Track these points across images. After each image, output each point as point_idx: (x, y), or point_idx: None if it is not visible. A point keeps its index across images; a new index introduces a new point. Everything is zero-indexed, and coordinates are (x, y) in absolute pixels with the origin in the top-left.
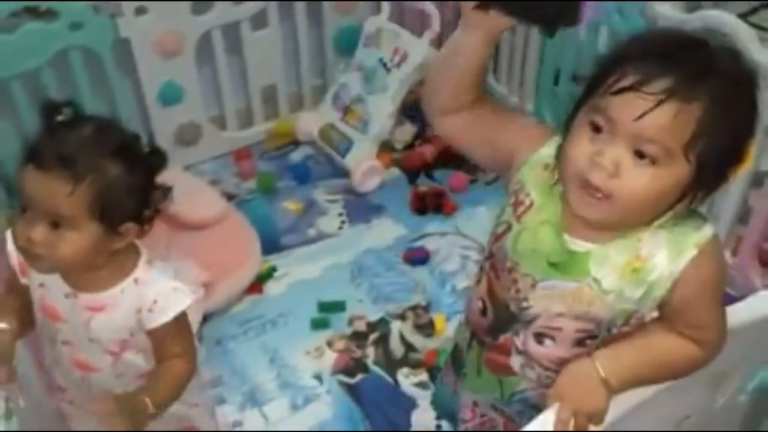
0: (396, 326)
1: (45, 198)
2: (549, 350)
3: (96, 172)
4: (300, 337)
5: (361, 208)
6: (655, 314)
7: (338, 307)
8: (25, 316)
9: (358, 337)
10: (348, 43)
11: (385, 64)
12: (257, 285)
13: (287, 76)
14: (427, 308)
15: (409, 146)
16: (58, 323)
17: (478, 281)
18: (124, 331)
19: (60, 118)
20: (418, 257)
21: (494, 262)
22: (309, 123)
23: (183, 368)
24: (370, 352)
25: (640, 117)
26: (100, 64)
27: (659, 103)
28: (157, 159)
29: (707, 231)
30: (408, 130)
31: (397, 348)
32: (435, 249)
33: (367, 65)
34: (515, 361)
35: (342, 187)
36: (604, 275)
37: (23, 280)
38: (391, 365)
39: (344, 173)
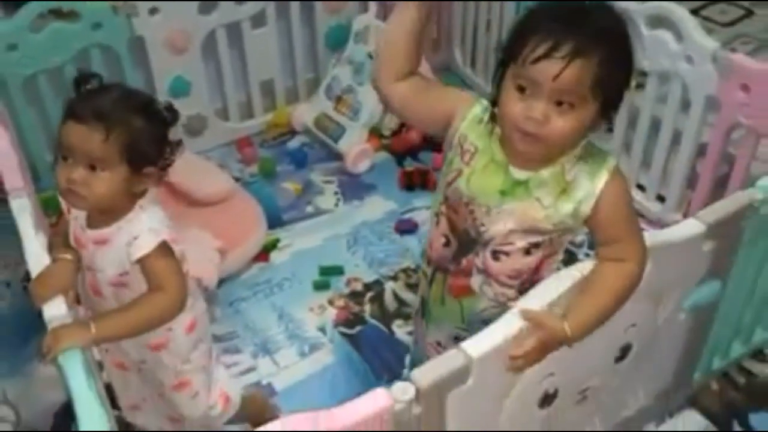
0: (389, 286)
1: (83, 145)
2: (504, 264)
3: (124, 124)
4: (304, 297)
5: (355, 187)
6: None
7: (337, 270)
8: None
9: (356, 296)
10: (338, 39)
11: (372, 57)
12: (263, 255)
13: (284, 70)
14: (416, 270)
15: (397, 132)
16: (83, 251)
17: (437, 223)
18: (120, 263)
19: (89, 86)
20: (407, 227)
21: (450, 203)
22: (304, 113)
23: (160, 299)
24: (367, 307)
25: (557, 76)
26: (117, 60)
27: (568, 63)
28: (171, 114)
29: (612, 161)
30: (395, 118)
31: (390, 303)
32: (422, 220)
33: (356, 59)
34: (475, 281)
35: (336, 169)
36: (542, 195)
37: (67, 216)
38: (386, 318)
39: (338, 157)
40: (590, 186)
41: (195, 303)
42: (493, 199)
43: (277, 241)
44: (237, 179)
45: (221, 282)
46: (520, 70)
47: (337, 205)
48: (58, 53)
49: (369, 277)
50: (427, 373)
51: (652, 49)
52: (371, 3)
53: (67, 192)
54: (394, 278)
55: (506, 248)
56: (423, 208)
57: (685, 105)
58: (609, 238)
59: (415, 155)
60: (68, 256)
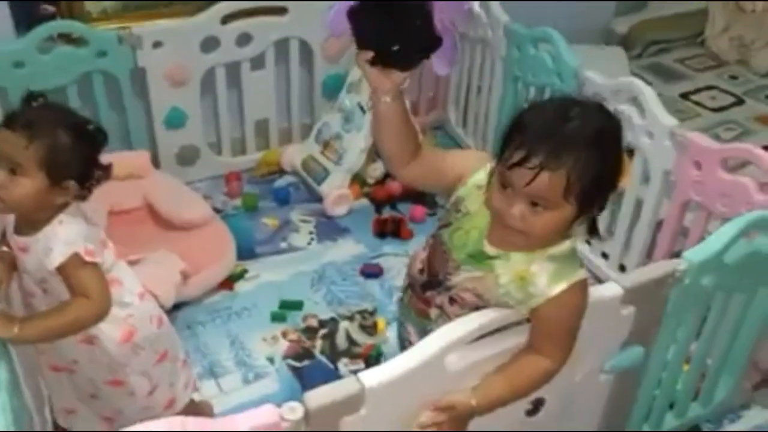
0: (343, 325)
1: (7, 149)
2: (458, 310)
3: (47, 136)
4: (259, 327)
5: (330, 228)
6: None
7: (297, 305)
8: None
9: (309, 331)
10: (334, 87)
11: (362, 107)
12: (229, 283)
13: (279, 112)
14: (373, 313)
15: (380, 182)
16: (17, 254)
17: (424, 248)
18: (39, 271)
19: (34, 103)
20: (371, 271)
21: (435, 243)
22: (294, 154)
23: (82, 305)
24: (318, 343)
25: (527, 184)
26: (118, 87)
27: (537, 174)
28: (99, 136)
29: (580, 274)
30: (379, 168)
31: (341, 342)
32: (388, 267)
33: (347, 108)
34: (433, 312)
35: (315, 211)
36: (502, 273)
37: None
38: (334, 355)
39: (319, 199)
40: (545, 288)
41: (135, 314)
42: (464, 259)
43: (245, 271)
44: (219, 210)
45: (184, 304)
46: (502, 170)
47: (309, 243)
48: (62, 75)
49: (325, 315)
50: (318, 397)
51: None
52: None
53: None
54: (350, 318)
55: (461, 300)
56: (391, 255)
57: (647, 178)
58: (542, 336)
59: (394, 205)
60: (6, 249)
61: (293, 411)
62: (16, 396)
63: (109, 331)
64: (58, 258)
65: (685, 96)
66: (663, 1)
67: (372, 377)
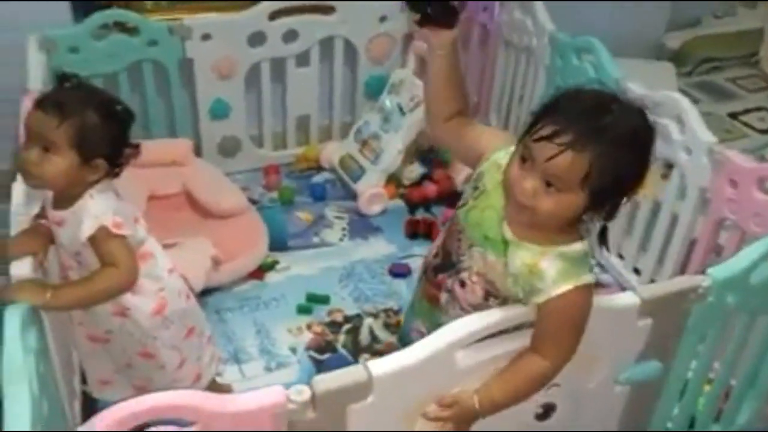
0: (368, 322)
1: (40, 129)
2: (466, 293)
3: (78, 115)
4: (286, 317)
5: (362, 226)
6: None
7: (323, 299)
8: None
9: (334, 325)
10: (376, 88)
11: (401, 109)
12: (260, 273)
13: (321, 109)
14: (397, 312)
15: (416, 184)
16: (52, 227)
17: (441, 233)
18: (73, 243)
19: (67, 84)
20: (400, 271)
21: (451, 224)
22: (333, 152)
23: (110, 274)
24: (341, 338)
25: (548, 159)
26: (166, 76)
27: (560, 152)
28: (127, 116)
29: (587, 278)
30: (416, 170)
31: (365, 338)
32: (416, 267)
33: (387, 108)
34: (443, 297)
35: (349, 208)
36: (513, 261)
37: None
38: (356, 350)
39: (354, 197)
40: (551, 285)
41: (167, 287)
42: (477, 239)
43: (276, 263)
44: (255, 202)
45: (214, 290)
46: (526, 142)
47: (341, 240)
48: (114, 62)
49: (351, 311)
50: (325, 381)
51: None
52: (410, 59)
53: (21, 170)
54: (375, 315)
55: (470, 284)
56: (420, 256)
57: (683, 194)
58: (542, 335)
59: (428, 207)
60: (45, 223)
61: (300, 393)
62: (43, 362)
63: (141, 303)
64: (88, 230)
65: (733, 116)
66: (718, 18)
67: (380, 366)
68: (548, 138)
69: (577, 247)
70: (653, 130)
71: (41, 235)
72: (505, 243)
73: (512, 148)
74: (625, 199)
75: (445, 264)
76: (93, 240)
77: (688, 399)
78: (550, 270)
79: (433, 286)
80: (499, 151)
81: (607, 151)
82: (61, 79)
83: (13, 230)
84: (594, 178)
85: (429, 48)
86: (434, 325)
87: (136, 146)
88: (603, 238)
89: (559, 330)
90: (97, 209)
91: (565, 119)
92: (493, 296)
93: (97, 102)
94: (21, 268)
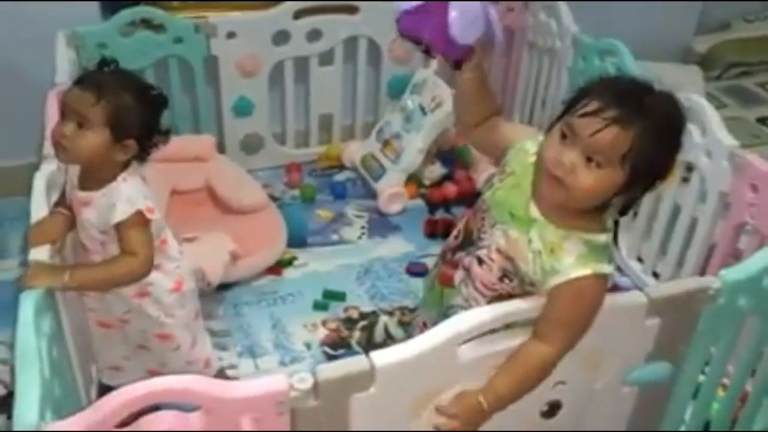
0: (383, 319)
1: (76, 105)
2: (483, 272)
3: (114, 95)
4: (302, 313)
5: (382, 225)
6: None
7: (340, 296)
8: None
9: (349, 322)
10: (399, 88)
11: (423, 108)
12: (278, 268)
13: (344, 108)
14: (413, 310)
15: (437, 184)
16: (74, 209)
17: (462, 217)
18: (100, 225)
19: (107, 69)
20: (416, 270)
21: (476, 206)
22: (354, 151)
23: (129, 262)
24: (356, 334)
25: (593, 134)
26: (191, 73)
27: (606, 126)
28: (160, 102)
29: (606, 268)
30: (437, 170)
31: (379, 336)
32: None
33: (409, 108)
34: (458, 276)
35: (369, 207)
36: (536, 239)
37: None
38: (370, 347)
39: (375, 196)
40: (570, 267)
41: (182, 266)
42: (502, 216)
43: (294, 258)
44: (277, 199)
45: (232, 285)
46: (568, 119)
47: (360, 238)
48: (141, 58)
49: (367, 308)
50: (328, 370)
51: None
52: (434, 59)
53: (56, 144)
54: (390, 313)
55: (489, 262)
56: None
57: (703, 197)
58: (549, 320)
59: (448, 207)
60: (63, 211)
61: (303, 381)
62: (57, 347)
63: (161, 281)
64: (121, 214)
65: (762, 121)
66: (748, 22)
67: (383, 357)
68: (593, 113)
69: (602, 238)
70: (685, 118)
71: (60, 223)
72: (531, 221)
73: (540, 137)
74: (653, 187)
75: (465, 243)
76: (121, 224)
77: (701, 403)
78: (571, 252)
79: (450, 266)
80: (526, 140)
81: (649, 129)
82: (101, 63)
83: (34, 219)
84: (635, 155)
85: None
86: (445, 309)
87: (167, 132)
88: (613, 233)
89: (569, 315)
90: (129, 193)
91: (609, 97)
92: (508, 277)
93: (133, 85)
94: (39, 255)
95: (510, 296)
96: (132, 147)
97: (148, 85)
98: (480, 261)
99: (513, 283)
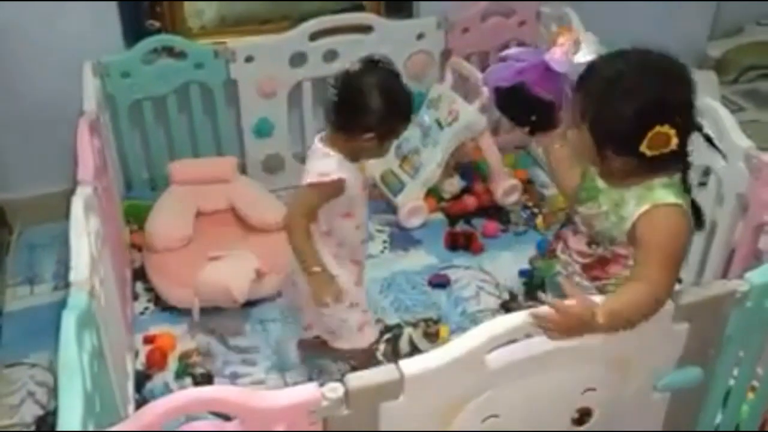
0: (407, 331)
1: None
2: (575, 241)
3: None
4: None
5: (403, 239)
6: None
7: None
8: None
9: None
10: (417, 106)
11: (440, 123)
12: None
13: None
14: (437, 321)
15: (456, 197)
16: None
17: None
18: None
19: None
20: (439, 281)
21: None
22: (374, 167)
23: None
24: (382, 346)
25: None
26: (212, 97)
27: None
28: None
29: (668, 198)
30: (456, 183)
31: (404, 347)
32: (456, 278)
33: (426, 123)
34: (559, 246)
35: (390, 221)
36: (604, 203)
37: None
38: (396, 359)
39: (395, 210)
40: (633, 209)
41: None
42: (586, 195)
43: None
44: None
45: (257, 302)
46: None
47: (382, 251)
48: (163, 85)
49: (391, 320)
50: (358, 379)
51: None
52: (448, 74)
53: None
54: (415, 325)
55: (580, 230)
56: (461, 268)
57: (721, 200)
58: (638, 259)
59: (468, 220)
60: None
61: (334, 390)
62: (97, 363)
63: None
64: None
65: None
66: (761, 26)
67: (412, 366)
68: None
69: (658, 180)
70: (651, 76)
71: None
72: (598, 191)
73: None
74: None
75: (566, 222)
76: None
77: (731, 406)
78: (630, 199)
79: (555, 240)
80: None
81: (594, 89)
82: (367, 62)
83: (73, 241)
84: (588, 114)
85: (545, 147)
86: (551, 276)
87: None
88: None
89: (651, 249)
90: (316, 162)
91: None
92: (595, 242)
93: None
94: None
95: (600, 260)
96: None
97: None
98: (574, 231)
99: (600, 248)
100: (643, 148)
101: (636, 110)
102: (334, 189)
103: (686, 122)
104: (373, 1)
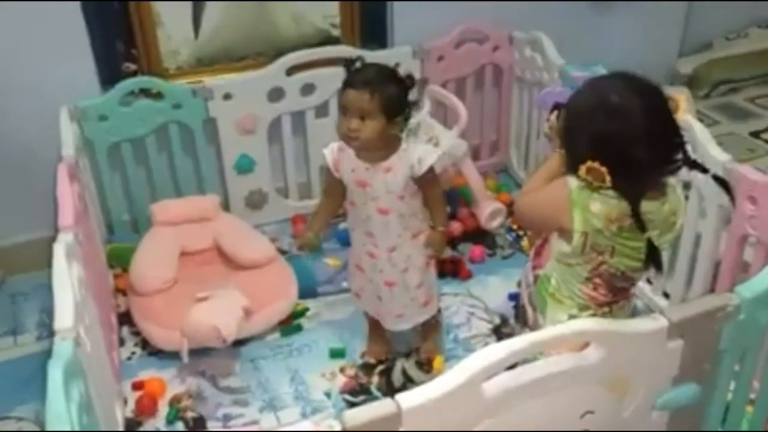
0: (400, 362)
1: (357, 103)
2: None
3: (383, 87)
4: (319, 363)
5: None
6: None
7: (340, 353)
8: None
9: (367, 367)
10: None
11: None
12: (291, 320)
13: None
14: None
15: None
16: (367, 188)
17: None
18: (404, 180)
19: (354, 66)
20: None
21: None
22: None
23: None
24: (375, 380)
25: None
26: (192, 136)
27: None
28: (409, 80)
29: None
30: None
31: (397, 379)
32: (446, 305)
33: None
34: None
35: None
36: None
37: (336, 174)
38: (390, 392)
39: None
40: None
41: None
42: None
43: (306, 309)
44: (285, 252)
45: (247, 340)
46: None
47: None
48: (141, 126)
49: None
50: (356, 415)
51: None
52: (425, 101)
53: (346, 137)
54: (407, 355)
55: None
56: (450, 295)
57: (704, 213)
58: None
59: (454, 245)
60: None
61: (330, 426)
62: (86, 414)
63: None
64: (426, 164)
65: (755, 134)
66: (729, 41)
67: (409, 399)
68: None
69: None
70: (594, 112)
71: (335, 200)
72: None
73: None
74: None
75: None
76: (428, 172)
77: (730, 421)
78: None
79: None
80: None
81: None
82: (348, 63)
83: (56, 289)
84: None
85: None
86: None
87: (415, 102)
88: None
89: None
90: (421, 148)
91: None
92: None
93: (389, 74)
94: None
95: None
96: (399, 121)
97: (394, 69)
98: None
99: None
100: (582, 175)
101: (570, 144)
102: None
103: (629, 155)
104: (349, 32)
